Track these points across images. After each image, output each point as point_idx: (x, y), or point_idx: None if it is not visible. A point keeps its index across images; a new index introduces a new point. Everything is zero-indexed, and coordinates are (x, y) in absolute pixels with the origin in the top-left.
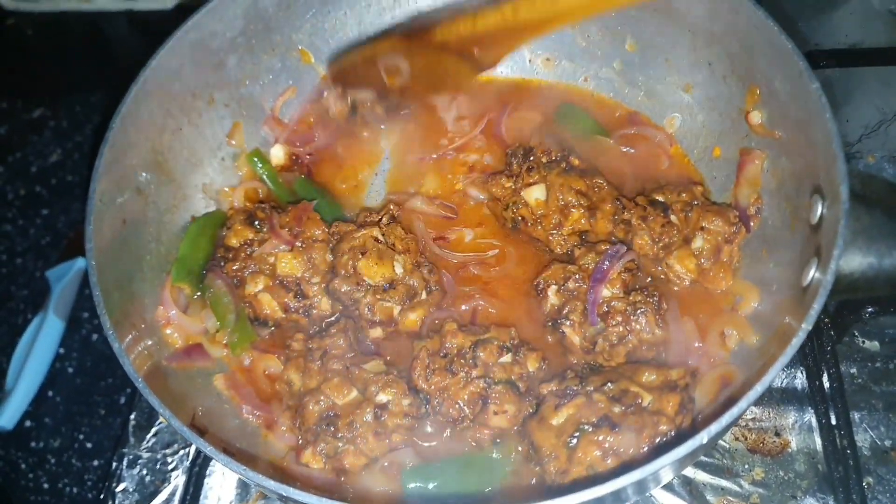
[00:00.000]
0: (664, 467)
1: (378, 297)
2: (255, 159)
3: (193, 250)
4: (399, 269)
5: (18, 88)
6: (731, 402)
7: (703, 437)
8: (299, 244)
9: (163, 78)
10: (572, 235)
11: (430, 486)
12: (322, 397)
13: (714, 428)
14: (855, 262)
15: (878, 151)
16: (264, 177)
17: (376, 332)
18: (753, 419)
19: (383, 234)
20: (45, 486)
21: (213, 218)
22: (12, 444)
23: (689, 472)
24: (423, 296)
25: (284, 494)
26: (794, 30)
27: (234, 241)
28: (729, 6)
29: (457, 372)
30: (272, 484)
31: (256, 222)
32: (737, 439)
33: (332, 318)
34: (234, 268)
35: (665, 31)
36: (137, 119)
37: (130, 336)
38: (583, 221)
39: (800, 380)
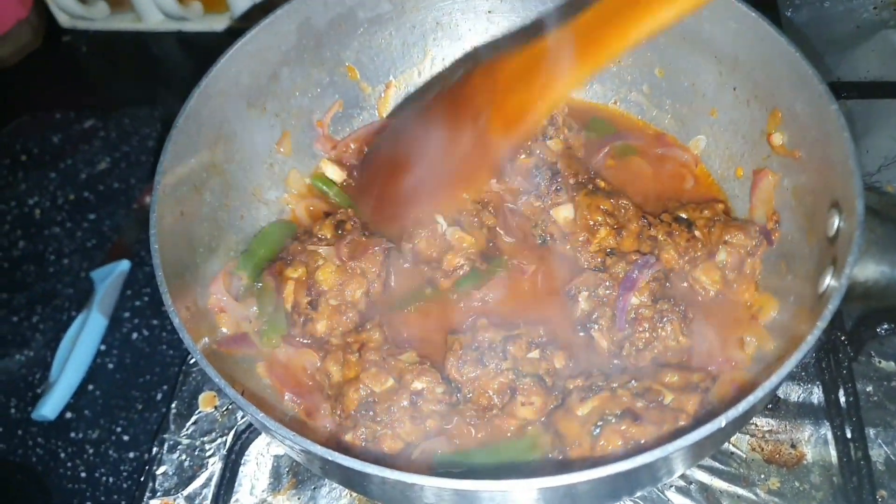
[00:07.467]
0: (680, 450)
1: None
2: (321, 184)
3: (262, 247)
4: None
5: (72, 101)
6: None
7: (721, 422)
8: (351, 264)
9: (222, 84)
10: (599, 252)
11: (461, 469)
12: (361, 385)
13: (731, 413)
14: (868, 270)
15: None
16: (331, 195)
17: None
18: (770, 431)
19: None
20: (83, 475)
21: (286, 226)
22: (53, 433)
23: (706, 478)
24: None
25: (330, 458)
26: (817, 60)
27: (316, 229)
28: (754, 35)
29: (487, 364)
30: (320, 449)
31: (340, 230)
32: (753, 450)
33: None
34: (295, 249)
35: (692, 57)
36: (198, 120)
37: (186, 316)
38: (609, 239)
39: (816, 395)
